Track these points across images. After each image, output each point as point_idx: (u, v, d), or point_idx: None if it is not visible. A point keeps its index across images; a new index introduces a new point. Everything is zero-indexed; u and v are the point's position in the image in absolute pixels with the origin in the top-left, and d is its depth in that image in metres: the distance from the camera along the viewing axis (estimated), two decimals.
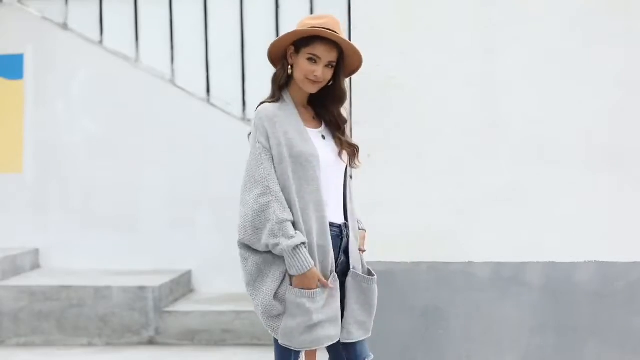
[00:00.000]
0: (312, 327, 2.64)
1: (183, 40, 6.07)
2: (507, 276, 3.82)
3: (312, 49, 2.72)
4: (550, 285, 3.80)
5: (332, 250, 2.74)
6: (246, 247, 2.69)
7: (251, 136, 2.75)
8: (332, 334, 2.71)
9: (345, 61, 2.80)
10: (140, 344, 5.12)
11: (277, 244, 2.61)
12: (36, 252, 6.06)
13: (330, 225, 2.75)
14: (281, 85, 2.79)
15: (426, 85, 3.83)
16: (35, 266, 6.03)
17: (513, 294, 3.82)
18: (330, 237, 2.74)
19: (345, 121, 2.87)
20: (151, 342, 5.13)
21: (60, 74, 6.08)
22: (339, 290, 2.76)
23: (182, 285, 5.70)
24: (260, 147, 2.69)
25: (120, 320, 5.16)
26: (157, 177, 5.98)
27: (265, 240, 2.63)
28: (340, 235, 2.80)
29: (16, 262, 5.75)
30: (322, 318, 2.66)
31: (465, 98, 3.82)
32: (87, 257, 5.96)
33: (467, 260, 3.82)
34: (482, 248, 3.81)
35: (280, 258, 2.65)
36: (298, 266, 2.61)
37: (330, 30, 2.71)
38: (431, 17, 3.83)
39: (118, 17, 6.11)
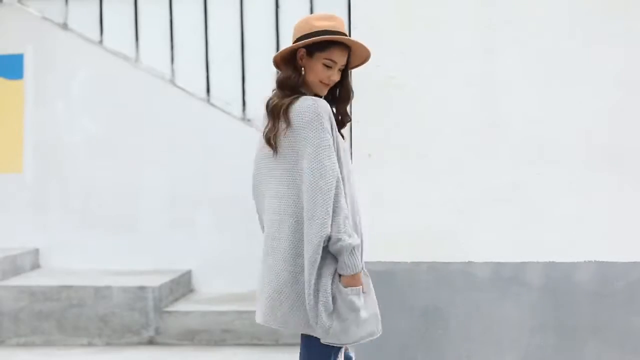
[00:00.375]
0: (360, 323, 2.64)
1: (183, 40, 6.08)
2: (507, 276, 3.81)
3: (329, 54, 2.70)
4: (550, 285, 3.80)
5: None
6: (322, 243, 2.58)
7: (315, 126, 2.60)
8: (375, 330, 2.72)
9: (350, 60, 2.80)
10: (140, 344, 5.13)
11: (340, 239, 2.56)
12: (36, 252, 6.06)
13: None
14: (296, 86, 2.72)
15: (426, 85, 3.83)
16: (35, 266, 6.04)
17: (513, 294, 3.81)
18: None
19: (349, 119, 2.88)
20: (151, 342, 5.14)
21: (60, 74, 6.09)
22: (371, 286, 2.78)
23: (182, 285, 5.70)
24: (331, 139, 2.63)
25: (120, 320, 5.16)
26: (157, 177, 5.98)
27: (331, 232, 2.56)
28: None
29: (16, 262, 5.75)
30: (366, 315, 2.67)
31: (465, 98, 3.82)
32: (87, 257, 5.97)
33: (467, 260, 3.82)
34: (482, 248, 3.81)
35: (331, 256, 2.61)
36: (352, 266, 2.60)
37: (343, 33, 2.72)
38: (431, 17, 3.83)
39: (118, 17, 6.12)
